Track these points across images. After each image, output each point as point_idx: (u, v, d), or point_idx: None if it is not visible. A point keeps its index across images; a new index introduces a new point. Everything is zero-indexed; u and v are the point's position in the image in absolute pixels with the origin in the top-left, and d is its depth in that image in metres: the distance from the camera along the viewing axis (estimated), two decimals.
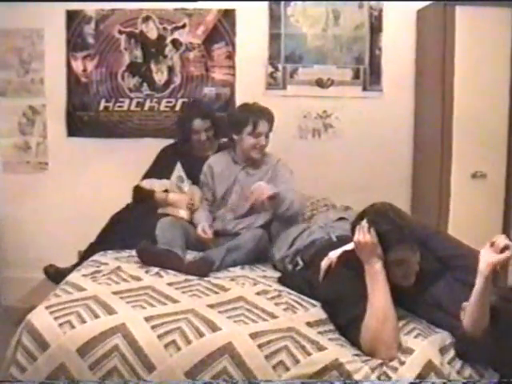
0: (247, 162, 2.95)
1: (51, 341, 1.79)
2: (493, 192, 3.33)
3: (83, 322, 1.84)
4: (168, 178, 3.10)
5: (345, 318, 1.90)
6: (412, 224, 2.00)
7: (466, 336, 1.75)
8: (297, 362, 1.73)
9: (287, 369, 1.72)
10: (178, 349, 1.75)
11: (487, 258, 1.72)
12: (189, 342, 1.77)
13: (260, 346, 1.76)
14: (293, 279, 2.33)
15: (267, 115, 2.89)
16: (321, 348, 1.78)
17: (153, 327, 1.82)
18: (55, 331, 1.81)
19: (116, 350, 1.76)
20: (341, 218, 2.68)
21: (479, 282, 1.72)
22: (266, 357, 1.74)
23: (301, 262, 2.45)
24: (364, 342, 1.80)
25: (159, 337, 1.79)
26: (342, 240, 2.32)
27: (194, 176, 3.09)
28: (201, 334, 1.80)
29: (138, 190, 3.13)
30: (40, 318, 1.87)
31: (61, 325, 1.83)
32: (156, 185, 3.10)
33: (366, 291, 1.89)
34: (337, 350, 1.78)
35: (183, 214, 2.99)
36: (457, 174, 3.28)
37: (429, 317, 1.99)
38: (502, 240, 1.73)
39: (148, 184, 3.12)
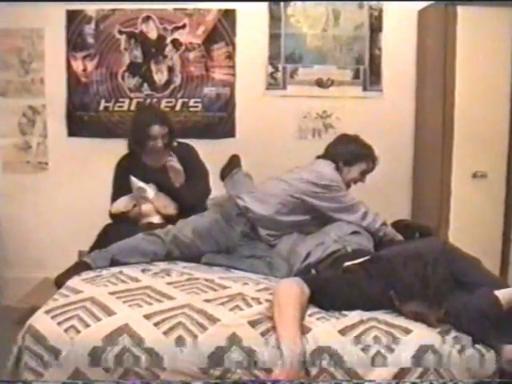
0: None
1: (61, 347, 1.79)
2: (493, 192, 3.33)
3: (86, 325, 1.84)
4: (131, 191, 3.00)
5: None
6: (443, 279, 1.88)
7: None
8: None
9: None
10: (187, 344, 1.77)
11: None
12: (195, 336, 1.79)
13: (263, 335, 1.80)
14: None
15: (376, 159, 2.88)
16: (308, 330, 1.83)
17: (155, 324, 1.83)
18: (62, 337, 1.81)
19: (127, 351, 1.77)
20: (355, 232, 2.65)
21: None
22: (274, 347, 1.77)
23: (314, 272, 2.45)
24: None
25: (165, 333, 1.80)
26: (358, 253, 2.34)
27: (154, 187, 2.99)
28: (202, 327, 1.82)
29: (113, 216, 3.04)
30: (43, 323, 1.87)
31: (66, 330, 1.83)
32: (123, 205, 3.00)
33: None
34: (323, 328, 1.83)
35: (157, 219, 2.95)
36: (457, 174, 3.28)
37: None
38: None
39: (117, 208, 3.01)
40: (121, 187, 3.04)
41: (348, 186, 2.83)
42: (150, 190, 2.97)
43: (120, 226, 2.90)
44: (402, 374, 1.72)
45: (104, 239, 2.82)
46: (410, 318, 1.91)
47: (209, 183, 3.12)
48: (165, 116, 3.09)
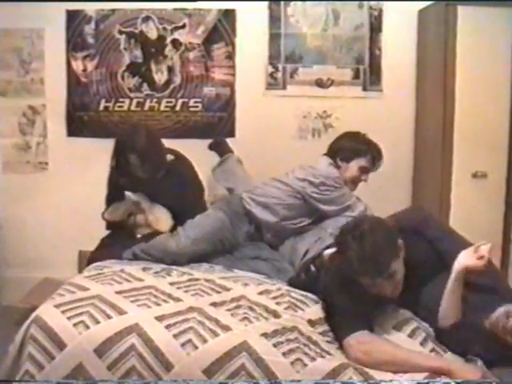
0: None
1: (67, 341, 1.80)
2: (493, 191, 3.33)
3: (96, 322, 1.85)
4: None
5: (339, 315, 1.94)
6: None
7: (438, 328, 1.89)
8: (313, 359, 1.76)
9: (305, 364, 1.74)
10: (195, 347, 1.77)
11: (464, 258, 1.82)
12: (205, 340, 1.79)
13: (275, 346, 1.79)
14: (304, 280, 2.34)
15: (381, 156, 2.86)
16: (324, 350, 1.82)
17: (166, 327, 1.84)
18: (70, 331, 1.82)
19: (133, 349, 1.78)
20: None
21: (451, 278, 1.82)
22: (284, 354, 1.76)
23: (313, 268, 2.45)
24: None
25: (174, 336, 1.80)
26: None
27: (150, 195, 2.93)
28: (214, 333, 1.82)
29: (107, 222, 3.00)
30: (52, 316, 1.88)
31: (75, 325, 1.84)
32: (119, 215, 2.96)
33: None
34: (339, 355, 1.82)
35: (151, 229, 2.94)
36: (457, 174, 3.28)
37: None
38: (484, 249, 1.79)
39: (112, 217, 2.96)
40: (115, 192, 3.00)
41: (353, 186, 2.83)
42: (145, 202, 2.93)
43: (117, 240, 2.87)
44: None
45: (102, 252, 2.83)
46: (379, 295, 1.94)
47: (204, 200, 3.07)
48: (142, 146, 2.77)
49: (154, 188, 2.91)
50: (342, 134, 2.95)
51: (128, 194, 2.90)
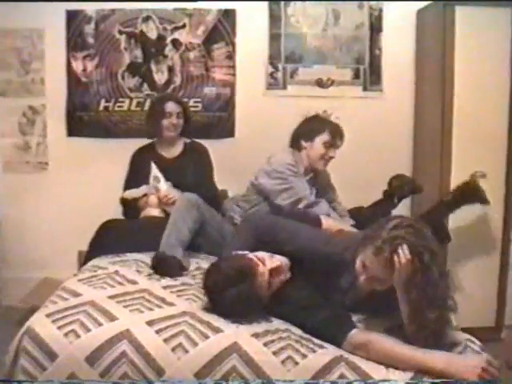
0: (306, 173, 2.95)
1: (59, 351, 1.79)
2: (493, 192, 3.31)
3: (87, 330, 1.85)
4: (146, 182, 3.07)
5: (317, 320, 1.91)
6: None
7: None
8: (304, 356, 1.76)
9: (296, 363, 1.74)
10: (186, 351, 1.77)
11: None
12: (195, 344, 1.79)
13: (266, 345, 1.79)
14: None
15: (341, 132, 2.96)
16: (316, 344, 1.83)
17: (157, 332, 1.84)
18: (61, 341, 1.81)
19: (124, 356, 1.77)
20: None
21: None
22: (274, 353, 1.76)
23: None
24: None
25: (165, 341, 1.80)
26: None
27: (165, 178, 3.06)
28: (205, 336, 1.82)
29: (123, 203, 3.12)
30: (43, 326, 1.87)
31: (66, 334, 1.83)
32: (136, 192, 3.09)
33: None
34: (332, 348, 1.81)
35: (158, 212, 3.01)
36: (457, 174, 3.27)
37: None
38: None
39: (129, 194, 3.11)
40: (135, 176, 3.13)
41: (322, 164, 2.93)
42: (164, 183, 3.01)
43: (119, 222, 2.97)
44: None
45: (104, 235, 2.86)
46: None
47: (214, 182, 3.21)
48: (180, 99, 3.32)
49: (172, 167, 3.07)
50: (301, 120, 3.06)
51: (154, 166, 3.01)
